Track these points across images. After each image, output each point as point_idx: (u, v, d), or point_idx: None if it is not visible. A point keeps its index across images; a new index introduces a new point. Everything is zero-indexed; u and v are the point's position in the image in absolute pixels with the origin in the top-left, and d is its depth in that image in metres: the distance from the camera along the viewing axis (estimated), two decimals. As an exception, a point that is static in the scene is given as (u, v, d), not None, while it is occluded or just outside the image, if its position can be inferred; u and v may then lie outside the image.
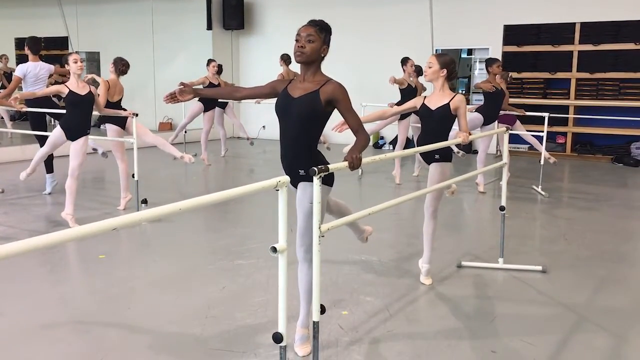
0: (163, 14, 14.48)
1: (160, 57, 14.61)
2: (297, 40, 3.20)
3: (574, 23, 11.52)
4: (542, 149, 8.20)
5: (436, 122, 4.44)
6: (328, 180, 3.30)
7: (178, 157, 6.86)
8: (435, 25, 12.16)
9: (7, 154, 10.41)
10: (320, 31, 3.19)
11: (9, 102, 6.62)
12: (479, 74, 12.70)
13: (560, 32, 11.68)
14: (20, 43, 17.52)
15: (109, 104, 6.78)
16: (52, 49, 16.76)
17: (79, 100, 6.03)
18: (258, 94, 3.53)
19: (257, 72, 14.48)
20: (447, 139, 4.49)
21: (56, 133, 6.21)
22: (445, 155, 4.48)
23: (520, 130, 8.71)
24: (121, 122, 6.94)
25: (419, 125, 5.06)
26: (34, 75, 7.54)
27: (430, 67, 4.42)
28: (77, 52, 8.02)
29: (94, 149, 8.11)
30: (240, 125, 11.35)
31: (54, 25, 15.38)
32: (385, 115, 4.96)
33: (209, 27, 14.13)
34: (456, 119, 4.47)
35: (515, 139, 9.89)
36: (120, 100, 7.09)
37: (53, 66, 8.00)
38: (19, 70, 7.63)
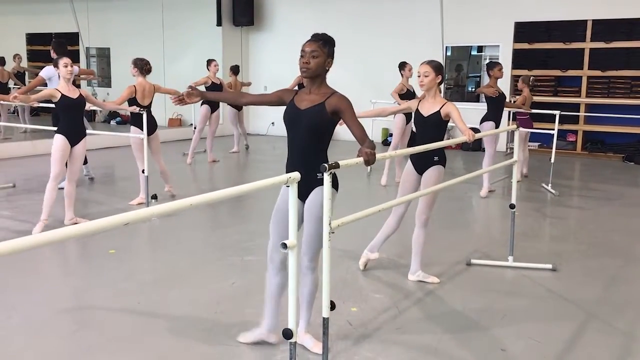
0: (173, 10, 14.51)
1: (170, 53, 14.65)
2: (302, 56, 3.26)
3: (586, 20, 11.45)
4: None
5: (430, 129, 4.50)
6: (334, 184, 3.32)
7: (168, 188, 7.24)
8: (445, 22, 12.13)
9: (19, 149, 10.48)
10: (324, 45, 3.25)
11: (25, 98, 6.39)
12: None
13: (572, 29, 11.61)
14: (31, 38, 17.61)
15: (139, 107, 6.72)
16: (63, 45, 16.85)
17: (71, 104, 5.99)
18: (264, 101, 3.56)
19: (267, 68, 14.49)
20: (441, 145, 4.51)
21: (58, 144, 5.92)
22: (442, 158, 4.54)
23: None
24: (146, 128, 6.64)
25: None
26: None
27: (427, 76, 4.44)
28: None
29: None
30: (244, 132, 11.68)
31: (65, 21, 15.44)
32: (384, 113, 5.03)
33: (219, 24, 14.14)
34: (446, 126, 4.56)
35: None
36: (151, 103, 6.93)
37: (78, 68, 7.92)
38: (45, 72, 7.52)
